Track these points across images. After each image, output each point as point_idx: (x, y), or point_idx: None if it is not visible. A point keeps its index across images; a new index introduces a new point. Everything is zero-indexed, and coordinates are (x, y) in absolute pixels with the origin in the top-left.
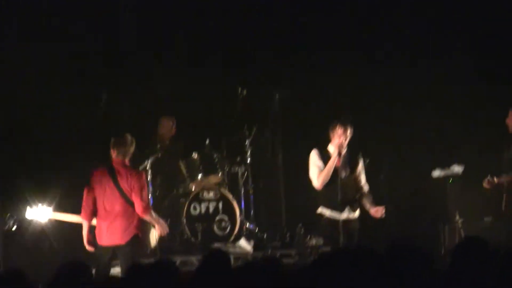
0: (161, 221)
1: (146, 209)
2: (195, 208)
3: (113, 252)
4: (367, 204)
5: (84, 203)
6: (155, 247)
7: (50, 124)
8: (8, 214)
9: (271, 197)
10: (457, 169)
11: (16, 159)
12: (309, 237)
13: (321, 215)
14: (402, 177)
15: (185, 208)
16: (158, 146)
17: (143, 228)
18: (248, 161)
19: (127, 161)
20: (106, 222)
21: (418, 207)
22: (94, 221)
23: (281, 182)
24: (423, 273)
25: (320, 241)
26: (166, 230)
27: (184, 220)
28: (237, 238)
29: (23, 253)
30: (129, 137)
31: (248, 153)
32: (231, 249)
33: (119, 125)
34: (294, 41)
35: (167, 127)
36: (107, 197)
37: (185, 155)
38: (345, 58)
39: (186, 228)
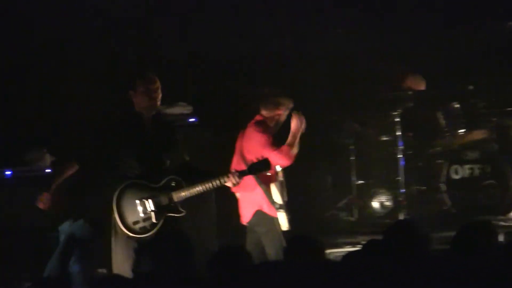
0: None
1: None
2: (456, 172)
3: None
4: None
5: None
6: None
7: None
8: None
9: None
10: None
11: None
12: None
13: None
14: None
15: (444, 170)
16: (410, 93)
17: None
18: None
19: None
20: None
21: None
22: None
23: None
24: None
25: None
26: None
27: (443, 186)
28: (509, 209)
29: None
30: None
31: None
32: (501, 223)
33: None
34: None
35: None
36: None
37: (443, 103)
38: None
39: (446, 196)
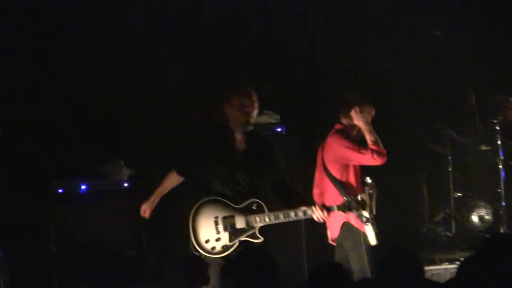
0: None
1: None
2: None
3: None
4: None
5: None
6: None
7: None
8: None
9: None
10: None
11: None
12: None
13: None
14: None
15: None
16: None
17: None
18: None
19: None
20: None
21: None
22: None
23: None
24: None
25: None
26: None
27: None
28: None
29: None
30: None
31: None
32: None
33: None
34: None
35: None
36: None
37: None
38: None
39: None
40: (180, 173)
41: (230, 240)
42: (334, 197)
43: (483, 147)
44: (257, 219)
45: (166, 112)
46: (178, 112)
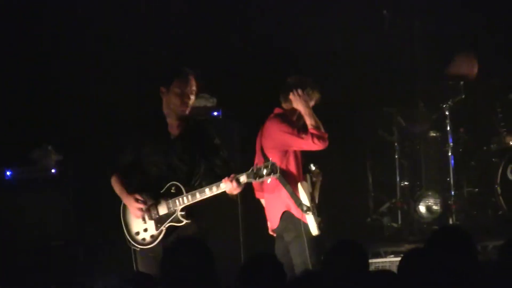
0: None
1: None
2: None
3: None
4: None
5: None
6: None
7: None
8: None
9: None
10: None
11: None
12: None
13: None
14: None
15: (500, 171)
16: (461, 83)
17: None
18: None
19: None
20: None
21: None
22: None
23: None
24: None
25: None
26: None
27: (498, 188)
28: None
29: None
30: None
31: None
32: None
33: None
34: None
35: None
36: None
37: (499, 94)
38: None
39: (501, 200)
40: (121, 174)
41: (156, 228)
42: (274, 185)
43: (432, 134)
44: (176, 201)
45: (99, 93)
46: (109, 93)
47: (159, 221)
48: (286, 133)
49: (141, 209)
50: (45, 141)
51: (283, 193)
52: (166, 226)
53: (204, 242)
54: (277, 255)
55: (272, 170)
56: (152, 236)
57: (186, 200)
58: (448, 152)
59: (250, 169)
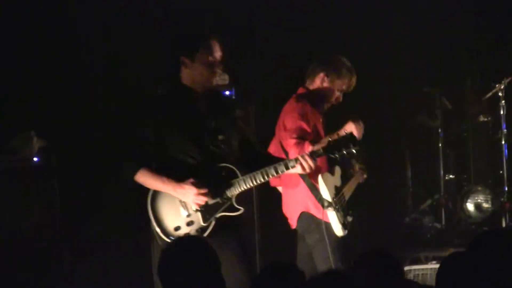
0: None
1: None
2: None
3: None
4: None
5: None
6: None
7: None
8: None
9: None
10: None
11: None
12: None
13: None
14: None
15: None
16: None
17: None
18: None
19: None
20: None
21: None
22: None
23: None
24: None
25: None
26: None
27: None
28: None
29: None
30: None
31: None
32: None
33: None
34: None
35: None
36: None
37: None
38: None
39: None
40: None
41: (205, 220)
42: (291, 176)
43: (482, 118)
44: (233, 187)
45: (89, 66)
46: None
47: (208, 211)
48: (288, 113)
49: (204, 194)
50: (27, 126)
51: (302, 187)
52: (217, 216)
53: (206, 241)
54: (300, 259)
55: (352, 142)
56: (199, 230)
57: (244, 184)
58: (501, 140)
59: (327, 142)
